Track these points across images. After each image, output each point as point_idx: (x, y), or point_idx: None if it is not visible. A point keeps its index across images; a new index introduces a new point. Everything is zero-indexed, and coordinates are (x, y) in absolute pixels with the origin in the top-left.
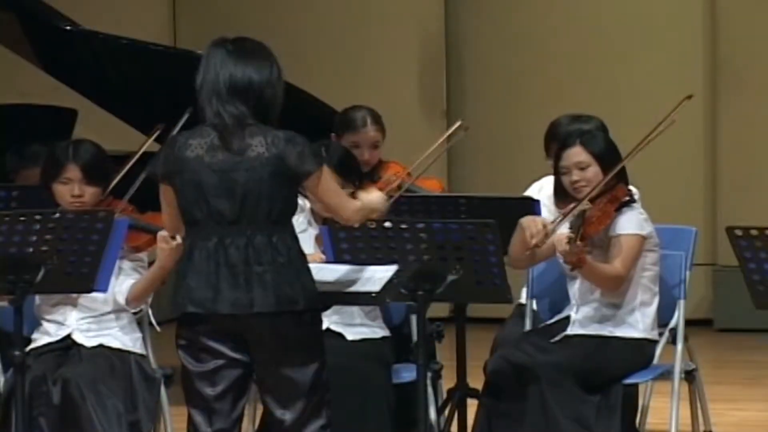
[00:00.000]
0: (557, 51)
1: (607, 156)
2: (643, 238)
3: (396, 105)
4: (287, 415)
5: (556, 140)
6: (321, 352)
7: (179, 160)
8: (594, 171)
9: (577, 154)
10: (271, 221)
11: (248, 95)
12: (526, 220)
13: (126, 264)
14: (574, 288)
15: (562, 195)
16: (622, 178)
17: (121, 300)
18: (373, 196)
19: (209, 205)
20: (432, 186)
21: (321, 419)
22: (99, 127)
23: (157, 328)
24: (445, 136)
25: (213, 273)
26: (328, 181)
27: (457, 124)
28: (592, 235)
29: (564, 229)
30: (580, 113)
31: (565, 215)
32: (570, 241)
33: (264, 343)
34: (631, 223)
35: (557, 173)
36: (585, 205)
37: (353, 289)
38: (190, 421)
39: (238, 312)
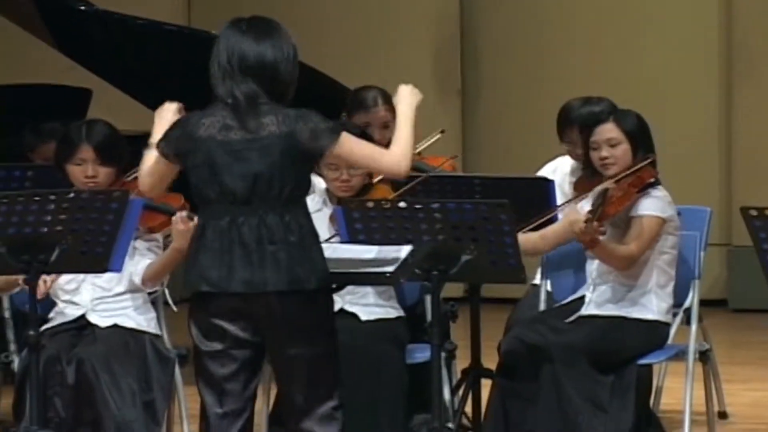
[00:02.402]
0: (573, 31)
1: (639, 136)
2: (663, 221)
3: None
4: (299, 396)
5: (570, 123)
6: (332, 332)
7: (192, 139)
8: (624, 149)
9: (609, 130)
10: (284, 200)
11: (262, 74)
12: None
13: (141, 244)
14: (593, 267)
15: (590, 171)
16: (650, 161)
17: (137, 280)
18: (399, 131)
19: (222, 185)
20: (443, 165)
21: (333, 400)
22: (113, 106)
23: (174, 308)
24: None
25: (226, 252)
26: (354, 145)
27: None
28: (612, 214)
29: (586, 207)
30: (590, 96)
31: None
32: (587, 220)
33: (275, 323)
34: (653, 204)
35: (587, 149)
36: (608, 183)
37: (367, 269)
38: (201, 403)
39: (251, 291)
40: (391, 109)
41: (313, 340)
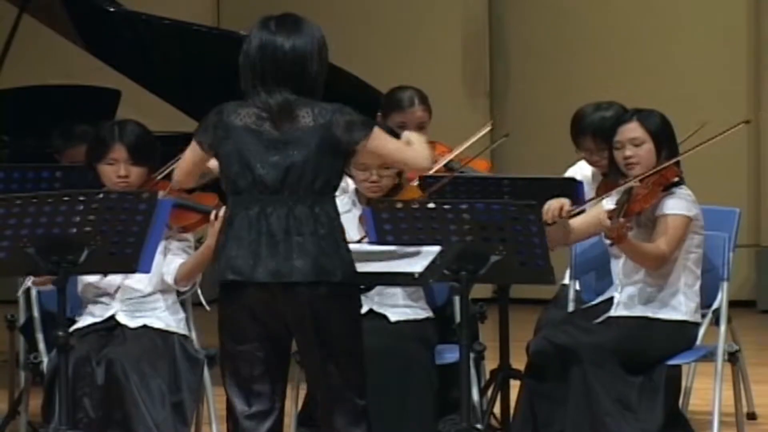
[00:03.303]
0: (600, 32)
1: (663, 135)
2: (690, 220)
3: (439, 86)
4: (325, 394)
5: (583, 131)
6: (359, 330)
7: (227, 127)
8: (647, 148)
9: (632, 129)
10: (314, 192)
11: (292, 72)
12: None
13: (174, 244)
14: (618, 267)
15: (614, 171)
16: (674, 158)
17: (170, 280)
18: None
19: (254, 174)
20: (479, 166)
21: (362, 399)
22: (142, 107)
23: (207, 308)
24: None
25: (254, 241)
26: (384, 140)
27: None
28: (635, 212)
29: (609, 205)
30: (600, 101)
31: (607, 192)
32: (612, 216)
33: (303, 316)
34: (678, 203)
35: (611, 148)
36: (633, 182)
37: (395, 269)
38: (228, 403)
39: (277, 280)
40: (427, 110)
41: (342, 336)
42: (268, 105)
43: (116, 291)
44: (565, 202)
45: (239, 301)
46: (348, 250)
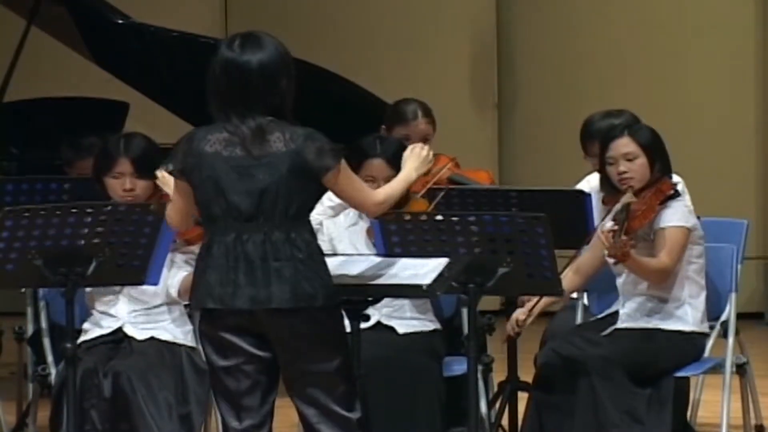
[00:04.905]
0: (608, 42)
1: (655, 149)
2: (689, 230)
3: (447, 97)
4: (312, 411)
5: (592, 137)
6: (343, 347)
7: (197, 154)
8: (641, 163)
9: (624, 144)
10: (289, 217)
11: (261, 89)
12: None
13: (178, 257)
14: (620, 282)
15: (608, 188)
16: (666, 171)
17: (174, 293)
18: (394, 183)
19: (227, 201)
20: (481, 177)
21: (350, 413)
22: (151, 119)
23: None
24: None
25: (231, 269)
26: (347, 177)
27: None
28: (636, 228)
29: (608, 224)
30: (611, 109)
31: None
32: (614, 235)
33: (284, 340)
34: (676, 215)
35: (603, 164)
36: (630, 198)
37: (392, 281)
38: (222, 420)
39: (256, 307)
40: (431, 122)
41: (324, 356)
42: (240, 130)
43: (123, 303)
44: (518, 316)
45: (220, 324)
46: (328, 273)
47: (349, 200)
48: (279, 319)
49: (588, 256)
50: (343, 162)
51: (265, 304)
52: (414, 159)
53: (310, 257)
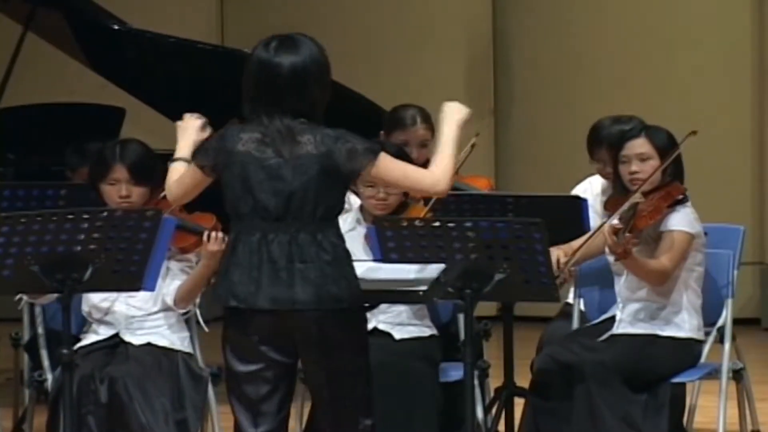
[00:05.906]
0: (604, 49)
1: (670, 152)
2: (693, 237)
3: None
4: (331, 414)
5: (600, 143)
6: (366, 351)
7: (229, 152)
8: (653, 165)
9: (640, 145)
10: (317, 219)
11: (291, 92)
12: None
13: (174, 265)
14: (620, 285)
15: (619, 187)
16: (679, 176)
17: (170, 301)
18: (443, 148)
19: (255, 200)
20: (480, 184)
21: (369, 418)
22: (147, 125)
23: (205, 328)
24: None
25: (255, 268)
26: (387, 168)
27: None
28: (641, 228)
29: (614, 221)
30: (620, 114)
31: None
32: (618, 231)
33: (311, 342)
34: (683, 220)
35: (616, 164)
36: (638, 198)
37: (400, 287)
38: (235, 424)
39: (278, 308)
40: (430, 128)
41: (349, 358)
42: (270, 130)
43: (120, 310)
44: (559, 255)
45: (245, 326)
46: (355, 275)
47: (403, 188)
48: (304, 320)
49: (586, 240)
50: (382, 155)
51: (287, 305)
52: (449, 115)
53: (337, 259)
